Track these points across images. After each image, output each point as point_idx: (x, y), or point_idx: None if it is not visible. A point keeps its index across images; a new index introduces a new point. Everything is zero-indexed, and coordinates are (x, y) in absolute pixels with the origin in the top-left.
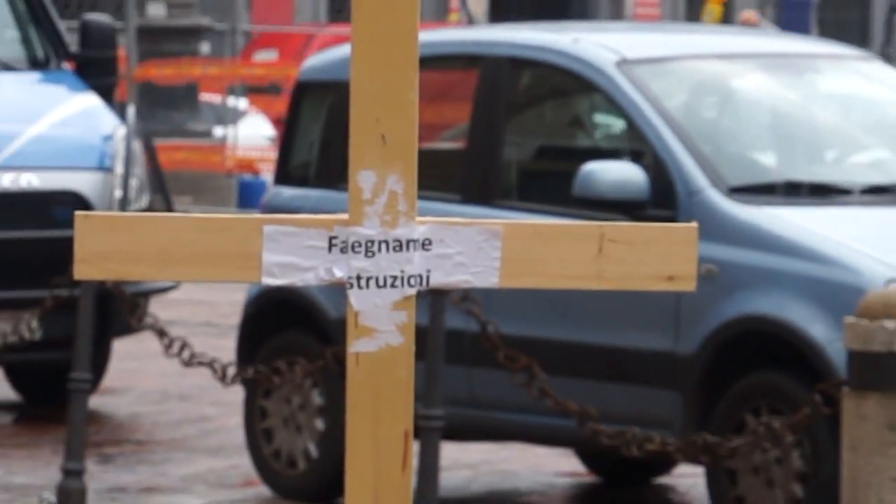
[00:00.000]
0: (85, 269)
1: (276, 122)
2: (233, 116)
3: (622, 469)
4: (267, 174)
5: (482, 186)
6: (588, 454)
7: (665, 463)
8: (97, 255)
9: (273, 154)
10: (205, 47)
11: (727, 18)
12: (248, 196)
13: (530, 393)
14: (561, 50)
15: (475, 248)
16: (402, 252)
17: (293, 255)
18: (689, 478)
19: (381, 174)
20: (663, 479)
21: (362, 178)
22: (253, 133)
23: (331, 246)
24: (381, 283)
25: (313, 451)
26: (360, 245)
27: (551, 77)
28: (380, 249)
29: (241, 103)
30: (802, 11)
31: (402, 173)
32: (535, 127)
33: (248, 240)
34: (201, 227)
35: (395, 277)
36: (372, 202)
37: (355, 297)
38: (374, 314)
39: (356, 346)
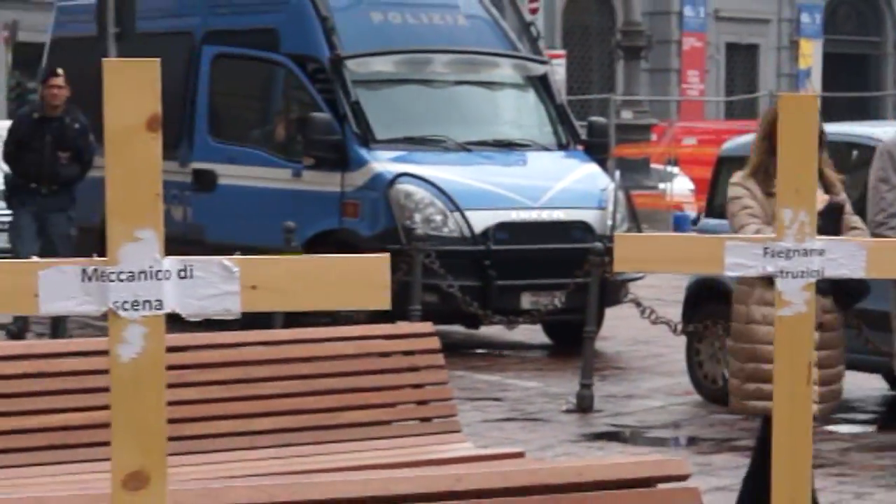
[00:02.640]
0: (621, 264)
1: (695, 180)
2: (669, 177)
3: None
4: (690, 211)
5: None
6: (890, 377)
7: None
8: (626, 258)
9: (692, 200)
10: (653, 136)
11: None
12: (679, 224)
13: (860, 341)
14: (875, 136)
15: (850, 255)
16: (808, 257)
17: (742, 258)
18: None
19: (795, 211)
20: None
21: (785, 213)
22: (681, 187)
23: (765, 253)
24: (796, 275)
25: (726, 374)
26: (783, 252)
27: (866, 153)
28: (794, 255)
29: (675, 169)
30: None
31: (808, 211)
32: (860, 182)
33: (714, 249)
34: (673, 242)
35: (803, 272)
36: (790, 227)
37: (780, 284)
38: (791, 293)
39: (780, 312)
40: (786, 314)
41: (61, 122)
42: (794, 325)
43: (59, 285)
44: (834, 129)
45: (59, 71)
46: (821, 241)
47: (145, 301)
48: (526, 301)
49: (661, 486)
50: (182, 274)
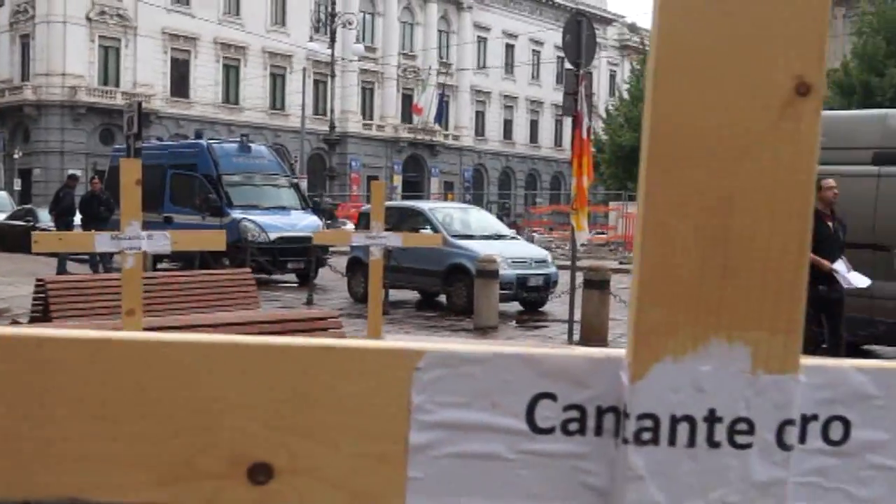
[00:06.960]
0: (320, 240)
1: (356, 223)
2: (345, 223)
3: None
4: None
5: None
6: (422, 292)
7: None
8: (320, 239)
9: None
10: (339, 208)
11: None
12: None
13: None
14: (416, 206)
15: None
16: (385, 239)
17: (358, 240)
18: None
19: (376, 222)
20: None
21: (374, 223)
22: (349, 227)
23: (366, 237)
24: (375, 247)
25: (361, 290)
26: (372, 237)
27: (410, 213)
28: (377, 238)
29: (348, 221)
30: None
31: (378, 223)
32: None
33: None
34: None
35: (381, 245)
36: (393, 231)
37: (372, 249)
38: (376, 254)
39: (371, 259)
40: (374, 259)
41: (99, 196)
42: (377, 265)
43: (103, 241)
44: (403, 203)
45: (96, 177)
46: (388, 234)
47: (134, 247)
48: (290, 265)
49: (328, 319)
50: (149, 237)
